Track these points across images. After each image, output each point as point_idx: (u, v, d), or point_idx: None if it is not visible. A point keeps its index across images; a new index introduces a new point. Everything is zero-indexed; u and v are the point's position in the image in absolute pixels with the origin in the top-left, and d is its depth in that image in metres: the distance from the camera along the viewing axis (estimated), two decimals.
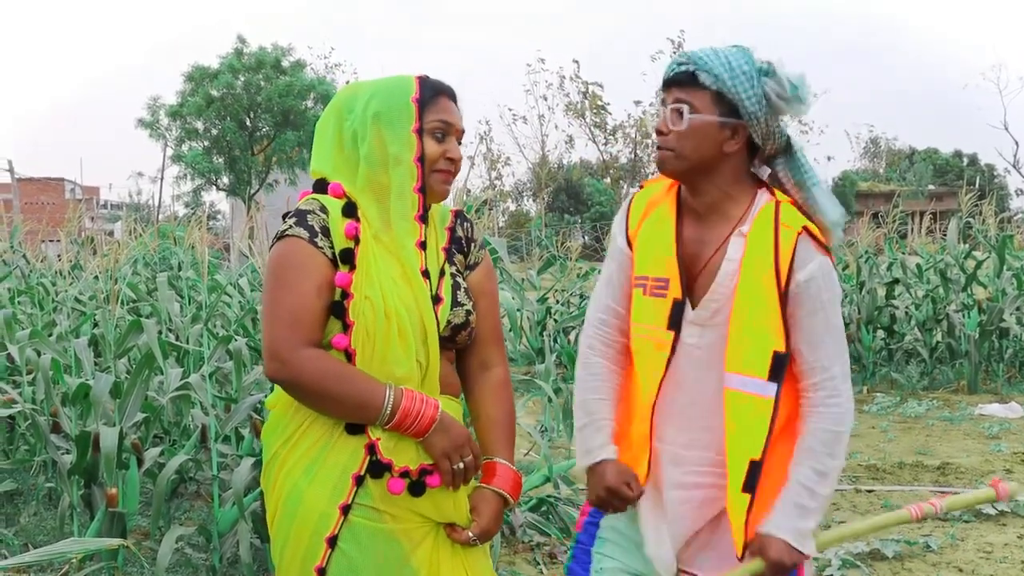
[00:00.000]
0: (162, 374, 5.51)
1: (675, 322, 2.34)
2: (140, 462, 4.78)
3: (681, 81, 2.29)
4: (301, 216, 2.24)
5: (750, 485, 2.26)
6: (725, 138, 2.28)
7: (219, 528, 4.59)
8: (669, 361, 2.35)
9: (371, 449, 2.21)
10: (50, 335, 6.57)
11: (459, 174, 2.38)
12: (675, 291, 2.34)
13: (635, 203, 2.50)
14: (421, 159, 2.27)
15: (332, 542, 2.22)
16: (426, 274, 2.29)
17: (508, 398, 2.44)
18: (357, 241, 2.23)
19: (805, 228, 2.26)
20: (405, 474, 2.22)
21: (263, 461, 2.36)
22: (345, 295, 2.20)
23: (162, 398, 5.32)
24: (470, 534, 2.31)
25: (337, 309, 2.20)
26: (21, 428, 6.15)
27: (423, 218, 2.30)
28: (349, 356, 2.20)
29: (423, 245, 2.30)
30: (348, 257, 2.22)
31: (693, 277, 2.35)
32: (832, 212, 2.34)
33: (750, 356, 2.26)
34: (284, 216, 2.33)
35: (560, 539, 5.16)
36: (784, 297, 2.24)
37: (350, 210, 2.26)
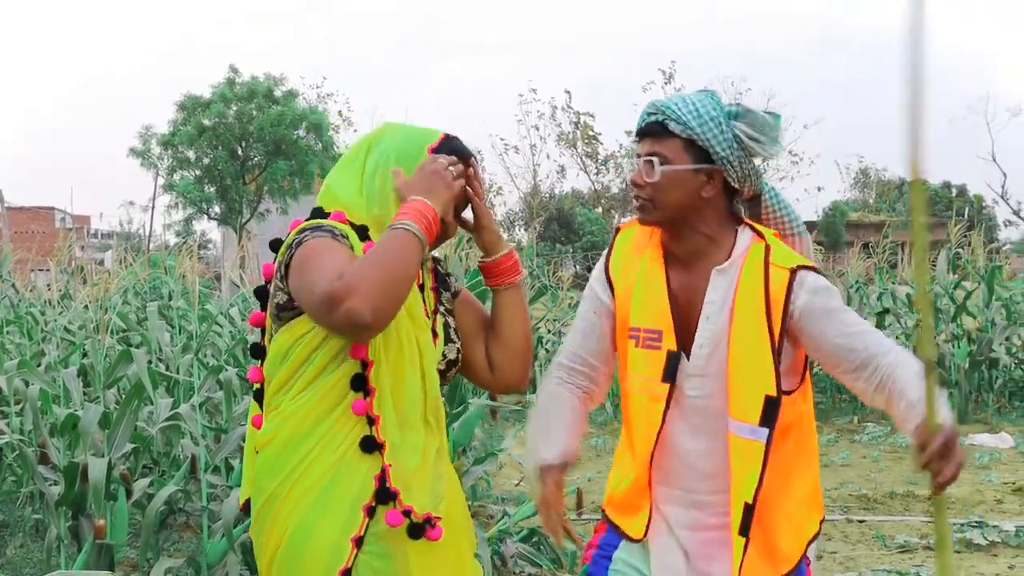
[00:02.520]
0: (152, 404, 5.49)
1: (670, 374, 2.34)
2: (129, 493, 4.76)
3: (653, 131, 2.32)
4: (317, 227, 2.20)
5: (744, 529, 2.28)
6: (701, 184, 2.30)
7: (208, 560, 4.57)
8: (665, 414, 2.36)
9: (381, 477, 2.19)
10: (39, 365, 6.55)
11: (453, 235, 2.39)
12: (669, 343, 2.34)
13: (616, 249, 2.50)
14: None
15: (346, 575, 2.18)
16: (428, 315, 2.32)
17: None
18: None
19: (799, 266, 2.27)
20: (408, 513, 2.20)
21: (253, 506, 2.28)
22: None
23: (151, 428, 5.30)
24: None
25: None
26: (8, 459, 6.12)
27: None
28: (366, 366, 2.19)
29: (421, 287, 2.31)
30: None
31: (689, 327, 2.35)
32: (811, 257, 2.39)
33: (744, 401, 2.28)
34: (271, 243, 2.30)
35: (552, 570, 5.13)
36: (778, 340, 2.25)
37: (363, 232, 2.25)
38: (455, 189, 2.26)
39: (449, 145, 2.34)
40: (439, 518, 2.24)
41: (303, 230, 2.22)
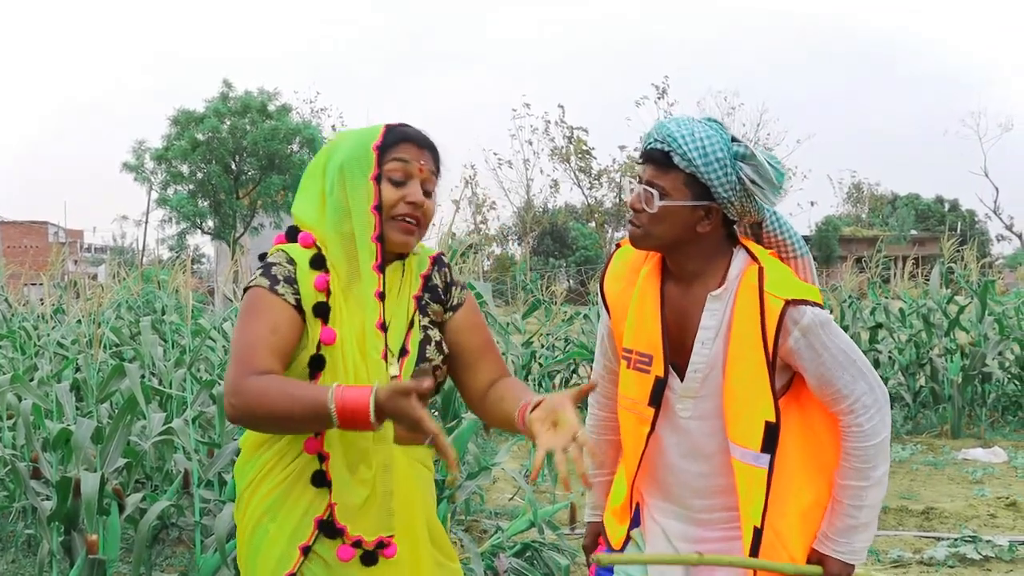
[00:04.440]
0: (144, 419, 5.47)
1: (656, 399, 2.36)
2: (121, 508, 4.75)
3: (656, 160, 2.29)
4: (266, 268, 2.22)
5: (754, 551, 2.31)
6: (698, 219, 2.29)
7: (201, 575, 4.55)
8: (649, 436, 2.39)
9: (328, 509, 2.20)
10: (31, 380, 6.52)
11: (432, 218, 2.31)
12: (658, 369, 2.35)
13: (611, 268, 2.52)
14: (379, 207, 2.22)
15: None
16: (384, 327, 2.22)
17: (517, 383, 2.30)
18: (329, 293, 2.19)
19: (792, 300, 2.24)
20: (358, 543, 2.20)
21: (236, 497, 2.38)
22: (320, 347, 2.17)
23: (144, 443, 5.29)
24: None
25: (317, 361, 2.17)
26: (0, 473, 6.09)
27: (381, 267, 2.23)
28: None
29: (382, 296, 2.23)
30: (322, 311, 2.18)
31: (685, 348, 2.35)
32: (814, 282, 2.39)
33: (744, 427, 2.29)
34: (260, 256, 2.32)
35: None
36: (772, 365, 2.25)
37: (318, 262, 2.21)
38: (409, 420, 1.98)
39: (394, 134, 2.27)
40: (391, 535, 2.23)
41: (259, 268, 2.23)
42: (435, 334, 2.33)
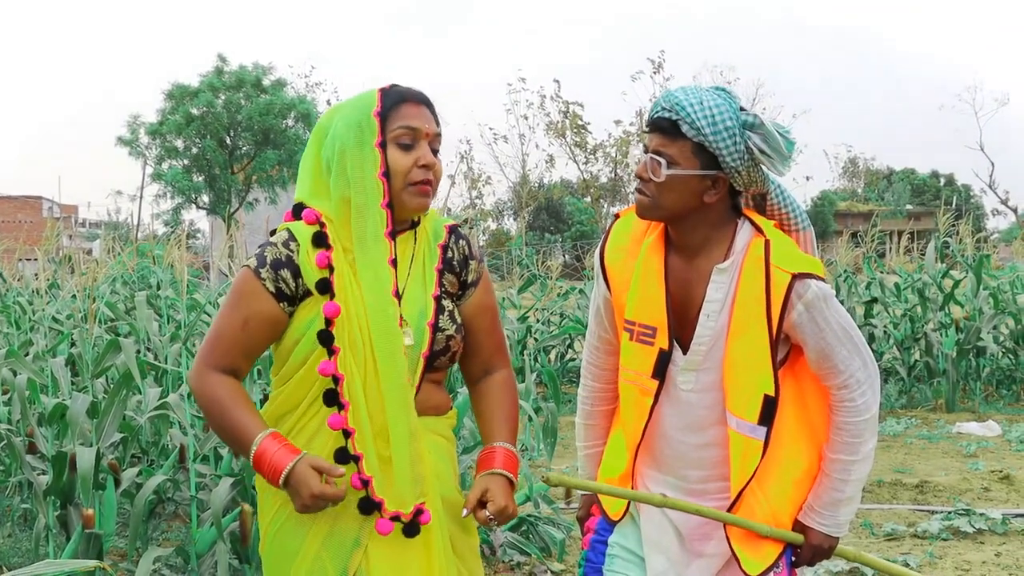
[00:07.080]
0: (140, 394, 5.47)
1: (660, 371, 2.36)
2: (117, 482, 4.76)
3: (664, 128, 2.26)
4: (264, 247, 2.24)
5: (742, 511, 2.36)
6: (705, 188, 2.27)
7: (197, 549, 4.56)
8: (653, 408, 2.38)
9: (364, 484, 2.19)
10: (27, 355, 6.52)
11: (438, 189, 2.32)
12: (662, 341, 2.35)
13: (613, 236, 2.48)
14: (386, 173, 2.20)
15: None
16: (398, 294, 2.23)
17: (509, 391, 2.44)
18: (332, 269, 2.20)
19: (800, 273, 2.25)
20: (396, 517, 2.20)
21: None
22: (329, 323, 2.18)
23: (140, 418, 5.29)
24: (487, 513, 2.25)
25: (324, 337, 2.18)
26: None
27: (392, 234, 2.23)
28: (337, 380, 2.18)
29: (394, 263, 2.24)
30: (325, 287, 2.19)
31: (688, 320, 2.34)
32: (815, 255, 2.39)
33: (743, 398, 2.30)
34: (271, 232, 2.31)
35: (540, 559, 5.14)
36: (775, 339, 2.26)
37: (320, 239, 2.22)
38: (303, 504, 2.13)
39: (391, 97, 2.24)
40: (423, 502, 2.22)
41: (259, 247, 2.26)
42: (448, 304, 2.34)
